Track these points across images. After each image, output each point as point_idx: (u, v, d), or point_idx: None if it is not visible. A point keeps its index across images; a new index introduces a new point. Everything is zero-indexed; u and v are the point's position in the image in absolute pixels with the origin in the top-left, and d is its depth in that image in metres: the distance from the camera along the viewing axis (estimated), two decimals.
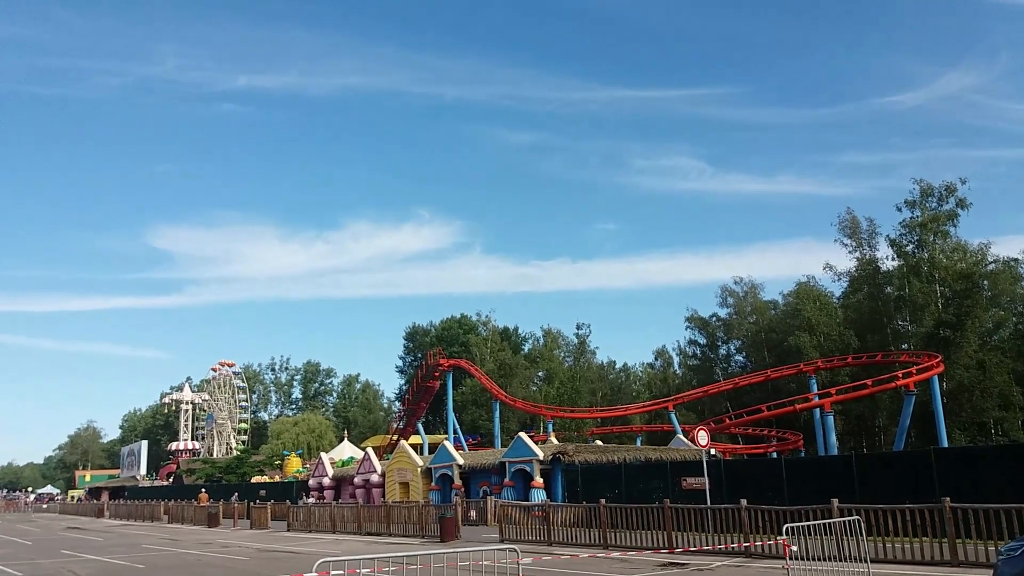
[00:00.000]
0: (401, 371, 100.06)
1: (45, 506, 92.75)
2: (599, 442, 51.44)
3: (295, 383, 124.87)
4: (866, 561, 12.97)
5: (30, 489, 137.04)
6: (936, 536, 14.88)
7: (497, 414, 58.73)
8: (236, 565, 20.01)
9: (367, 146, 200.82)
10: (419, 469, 40.78)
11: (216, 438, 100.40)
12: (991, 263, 53.45)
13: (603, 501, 21.58)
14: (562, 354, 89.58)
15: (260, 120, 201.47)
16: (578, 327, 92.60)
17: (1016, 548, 10.16)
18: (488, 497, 32.41)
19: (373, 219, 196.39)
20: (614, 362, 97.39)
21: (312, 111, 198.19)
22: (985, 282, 52.45)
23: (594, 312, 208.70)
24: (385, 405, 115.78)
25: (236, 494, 52.31)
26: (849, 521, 13.18)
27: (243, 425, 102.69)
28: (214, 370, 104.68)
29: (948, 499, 14.82)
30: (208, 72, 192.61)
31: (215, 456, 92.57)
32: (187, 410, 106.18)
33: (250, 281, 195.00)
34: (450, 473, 38.57)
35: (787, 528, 12.44)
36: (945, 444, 40.01)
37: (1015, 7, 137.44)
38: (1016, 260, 54.63)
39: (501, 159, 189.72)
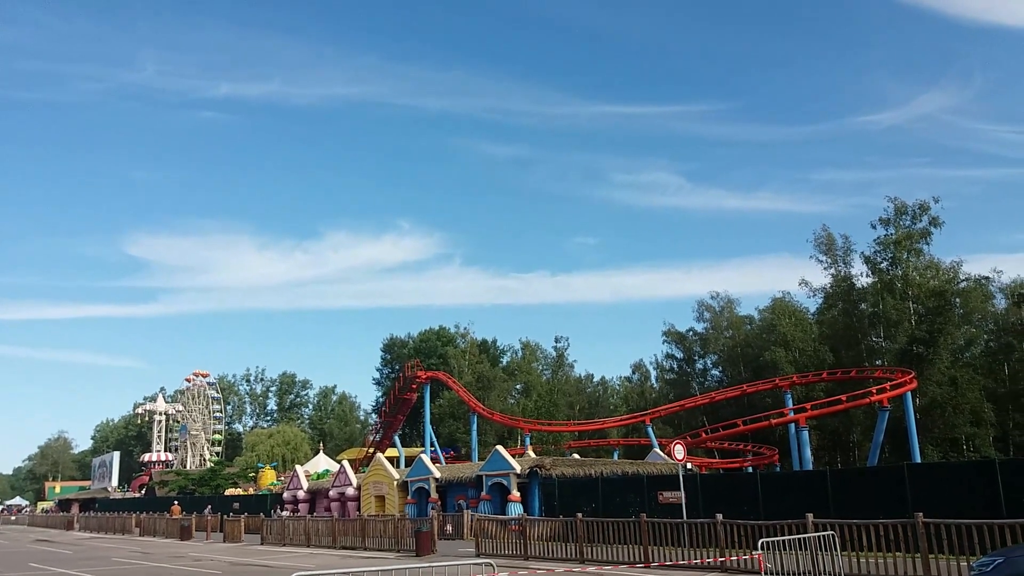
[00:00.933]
0: (378, 383, 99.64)
1: (13, 518, 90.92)
2: (576, 456, 51.41)
3: (270, 394, 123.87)
4: None
5: None
6: (909, 551, 14.99)
7: (475, 427, 58.57)
8: None
9: (348, 156, 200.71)
10: (395, 482, 40.52)
11: (189, 449, 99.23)
12: (963, 281, 54.09)
13: (580, 515, 21.58)
14: (540, 367, 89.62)
15: (241, 128, 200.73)
16: (556, 340, 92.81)
17: (988, 563, 10.30)
18: (465, 511, 32.28)
19: (353, 229, 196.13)
20: (592, 375, 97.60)
21: (294, 120, 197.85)
22: (957, 300, 53.10)
23: (573, 325, 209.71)
24: (362, 417, 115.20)
25: (209, 507, 51.74)
26: (823, 536, 13.29)
27: (217, 436, 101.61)
28: (188, 380, 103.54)
29: (921, 514, 14.95)
30: (190, 79, 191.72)
31: (188, 468, 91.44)
32: (160, 421, 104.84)
33: (227, 291, 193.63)
34: (427, 486, 38.35)
35: (762, 543, 12.52)
36: (918, 460, 40.39)
37: (989, 30, 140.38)
38: (987, 278, 55.43)
39: (482, 171, 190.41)
